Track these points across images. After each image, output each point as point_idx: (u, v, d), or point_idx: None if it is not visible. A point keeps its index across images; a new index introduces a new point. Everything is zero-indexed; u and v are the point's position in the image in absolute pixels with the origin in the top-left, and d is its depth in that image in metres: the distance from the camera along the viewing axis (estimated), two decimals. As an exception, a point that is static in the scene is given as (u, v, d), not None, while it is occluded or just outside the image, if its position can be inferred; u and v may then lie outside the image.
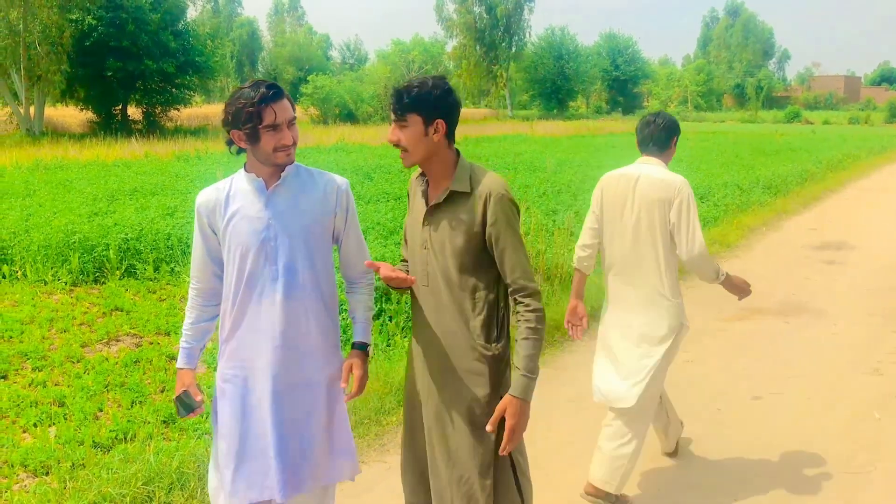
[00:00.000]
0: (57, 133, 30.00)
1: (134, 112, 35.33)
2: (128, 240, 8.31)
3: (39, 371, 5.37)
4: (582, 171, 16.57)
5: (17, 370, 5.39)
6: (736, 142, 28.19)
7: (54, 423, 4.52)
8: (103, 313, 6.80)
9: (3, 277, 7.79)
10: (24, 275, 7.80)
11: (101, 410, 4.74)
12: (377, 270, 2.60)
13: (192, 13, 38.33)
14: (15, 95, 30.31)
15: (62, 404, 4.80)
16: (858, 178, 19.63)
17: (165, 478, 3.67)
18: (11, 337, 6.04)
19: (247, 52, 79.96)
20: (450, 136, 2.60)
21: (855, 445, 4.47)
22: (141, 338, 6.19)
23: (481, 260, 2.60)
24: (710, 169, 17.52)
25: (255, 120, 2.50)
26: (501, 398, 2.60)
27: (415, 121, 2.52)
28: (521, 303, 2.62)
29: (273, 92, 2.52)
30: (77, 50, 30.34)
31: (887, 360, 5.92)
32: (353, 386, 2.78)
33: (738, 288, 3.82)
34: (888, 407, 5.03)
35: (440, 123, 2.53)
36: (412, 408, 2.81)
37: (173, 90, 34.85)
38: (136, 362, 5.55)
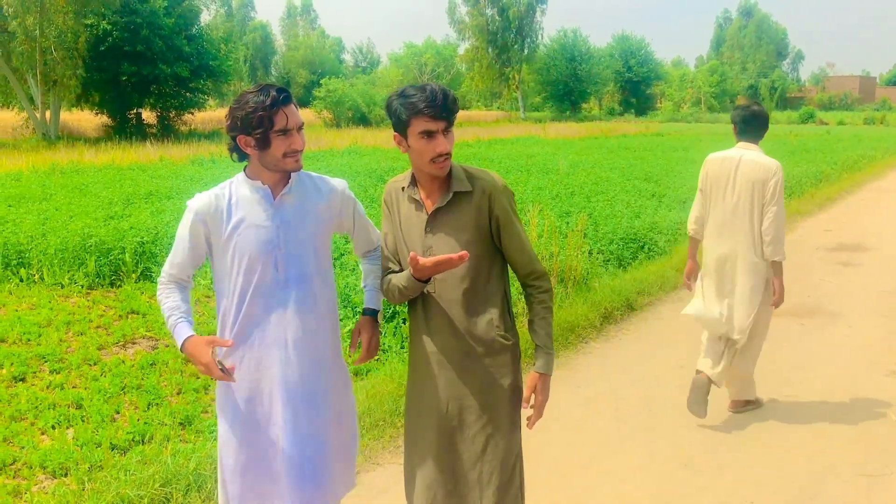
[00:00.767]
0: (72, 137, 30.25)
1: (148, 116, 35.57)
2: (143, 243, 8.37)
3: (57, 373, 5.42)
4: (595, 172, 16.53)
5: (35, 372, 5.45)
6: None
7: (72, 425, 4.57)
8: (119, 316, 6.86)
9: (21, 281, 7.86)
10: (42, 278, 7.88)
11: (118, 413, 4.78)
12: (420, 263, 2.44)
13: (205, 17, 38.73)
14: (31, 100, 30.59)
15: (80, 406, 4.84)
16: (874, 178, 19.50)
17: (182, 479, 3.69)
18: (29, 340, 6.10)
19: (260, 55, 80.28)
20: None
21: (870, 448, 4.45)
22: (157, 340, 6.24)
23: (489, 254, 2.65)
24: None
25: (266, 124, 2.46)
26: (517, 381, 2.74)
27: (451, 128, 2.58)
28: (532, 285, 2.70)
29: (284, 96, 2.50)
30: (92, 55, 30.58)
31: (903, 362, 5.89)
32: (363, 351, 2.80)
33: (780, 287, 4.62)
34: (904, 409, 5.00)
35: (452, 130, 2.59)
36: (418, 415, 2.78)
37: (187, 94, 35.05)
38: (151, 365, 5.60)
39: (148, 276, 8.08)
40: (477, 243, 2.61)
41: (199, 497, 3.64)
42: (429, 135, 2.48)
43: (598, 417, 4.89)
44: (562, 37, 67.44)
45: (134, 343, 6.19)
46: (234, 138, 2.54)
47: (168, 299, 2.62)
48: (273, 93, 2.48)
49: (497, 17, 61.82)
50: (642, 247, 9.28)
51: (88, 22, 30.14)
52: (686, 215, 10.99)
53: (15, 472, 4.02)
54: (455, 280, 2.63)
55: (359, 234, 2.90)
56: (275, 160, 2.53)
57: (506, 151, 23.35)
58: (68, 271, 7.92)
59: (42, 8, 28.38)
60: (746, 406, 4.97)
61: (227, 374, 2.49)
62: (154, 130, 33.45)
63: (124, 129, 32.17)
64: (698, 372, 4.76)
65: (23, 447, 4.25)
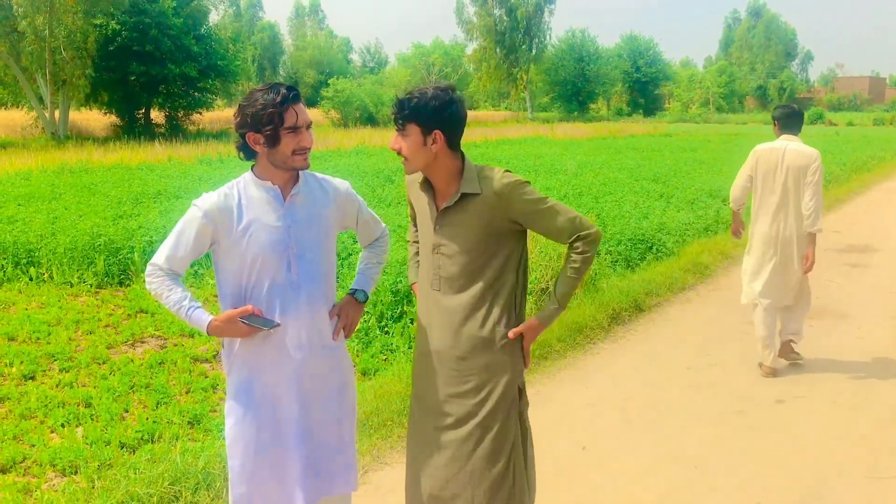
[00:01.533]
0: (81, 137, 30.35)
1: (157, 116, 35.65)
2: (152, 242, 8.39)
3: (66, 372, 5.44)
4: (603, 173, 16.52)
5: (44, 371, 5.47)
6: (759, 143, 27.96)
7: (81, 424, 4.59)
8: (128, 315, 6.88)
9: (31, 280, 7.90)
10: (51, 277, 7.91)
11: (126, 411, 4.80)
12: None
13: (214, 17, 38.63)
14: (40, 100, 30.70)
15: (89, 405, 4.87)
16: (883, 179, 19.41)
17: (191, 478, 3.70)
18: (39, 338, 6.13)
19: (268, 55, 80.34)
20: (452, 145, 2.64)
21: (879, 450, 4.43)
22: (165, 339, 6.26)
23: (498, 253, 2.68)
24: (733, 171, 17.24)
25: (276, 121, 2.48)
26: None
27: (413, 130, 2.60)
28: (572, 246, 2.72)
29: (293, 94, 2.52)
30: (101, 55, 30.66)
31: (913, 363, 5.87)
32: (340, 329, 2.78)
33: (812, 255, 5.52)
34: (914, 411, 4.98)
35: (437, 134, 2.58)
36: (418, 411, 2.86)
37: (196, 94, 35.08)
38: (160, 364, 5.62)
39: (156, 276, 8.08)
40: (484, 243, 2.65)
41: (209, 495, 3.65)
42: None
43: (606, 418, 4.89)
44: (570, 37, 67.36)
45: (143, 342, 6.21)
46: (243, 136, 2.55)
47: (171, 291, 2.60)
48: (283, 90, 2.51)
49: (505, 18, 61.76)
50: (650, 247, 9.26)
51: (97, 22, 30.21)
52: (694, 216, 11.07)
53: (25, 469, 4.05)
54: (458, 283, 2.67)
55: (363, 230, 2.94)
56: (284, 157, 2.54)
57: (514, 152, 23.35)
58: (77, 270, 7.95)
59: (51, 8, 28.47)
60: (787, 363, 5.81)
61: (269, 320, 2.57)
62: (162, 130, 33.51)
63: (133, 128, 32.25)
64: (786, 342, 5.83)
65: (33, 445, 4.27)
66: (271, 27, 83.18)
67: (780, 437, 4.61)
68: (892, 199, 15.77)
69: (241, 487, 2.67)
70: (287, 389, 2.63)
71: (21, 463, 4.10)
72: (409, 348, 5.83)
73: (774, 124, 5.75)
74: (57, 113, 30.68)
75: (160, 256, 2.61)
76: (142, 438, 4.36)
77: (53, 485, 3.88)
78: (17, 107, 35.08)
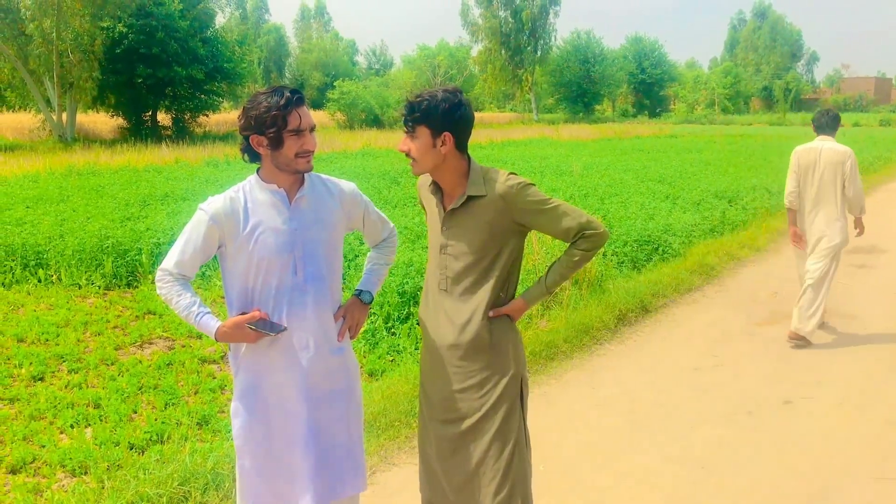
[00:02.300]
0: (88, 139, 30.43)
1: (163, 118, 35.71)
2: (159, 244, 8.43)
3: (75, 373, 5.47)
4: (609, 174, 16.51)
5: (53, 372, 5.50)
6: (764, 145, 27.96)
7: (90, 425, 4.61)
8: (136, 317, 6.91)
9: (39, 281, 7.93)
10: (59, 279, 7.94)
11: (135, 412, 4.83)
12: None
13: (220, 20, 38.63)
14: (48, 102, 30.82)
15: (98, 406, 4.89)
16: (889, 180, 19.36)
17: (201, 478, 3.73)
18: (48, 340, 6.16)
19: (274, 58, 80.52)
20: (460, 147, 2.68)
21: (886, 451, 4.43)
22: (173, 341, 6.28)
23: (503, 253, 2.72)
24: (739, 172, 17.38)
25: (279, 124, 2.49)
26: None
27: (423, 133, 2.63)
28: (576, 242, 2.74)
29: (297, 97, 2.54)
30: (108, 57, 30.74)
31: (920, 364, 5.86)
32: (346, 329, 2.80)
33: (861, 226, 6.62)
34: (921, 412, 4.98)
35: (447, 136, 2.62)
36: (426, 407, 2.91)
37: (202, 96, 35.15)
38: (168, 365, 5.64)
39: (164, 277, 8.11)
40: (491, 244, 2.70)
41: (217, 496, 3.67)
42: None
43: (613, 419, 4.90)
44: (575, 38, 67.32)
45: (151, 343, 6.23)
46: (246, 138, 2.56)
47: (180, 297, 2.62)
48: (287, 93, 2.52)
49: (510, 19, 61.75)
50: (656, 248, 9.26)
51: (105, 25, 30.30)
52: (700, 217, 11.06)
53: (35, 470, 4.07)
54: (467, 278, 2.71)
55: (370, 231, 2.96)
56: (287, 160, 2.56)
57: (519, 153, 23.36)
58: (86, 272, 7.98)
59: (59, 11, 28.57)
60: (800, 340, 6.29)
61: (276, 325, 2.60)
62: (169, 132, 33.56)
63: (139, 131, 32.34)
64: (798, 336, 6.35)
65: (42, 446, 4.30)
66: (277, 29, 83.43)
67: (787, 438, 4.61)
68: (898, 200, 15.72)
69: (251, 489, 2.69)
70: (294, 391, 2.65)
71: (31, 463, 4.12)
72: (416, 349, 5.85)
73: (813, 126, 6.64)
74: (64, 115, 30.78)
75: (169, 261, 2.63)
76: (150, 439, 4.38)
77: (63, 485, 3.90)
78: (25, 109, 35.19)
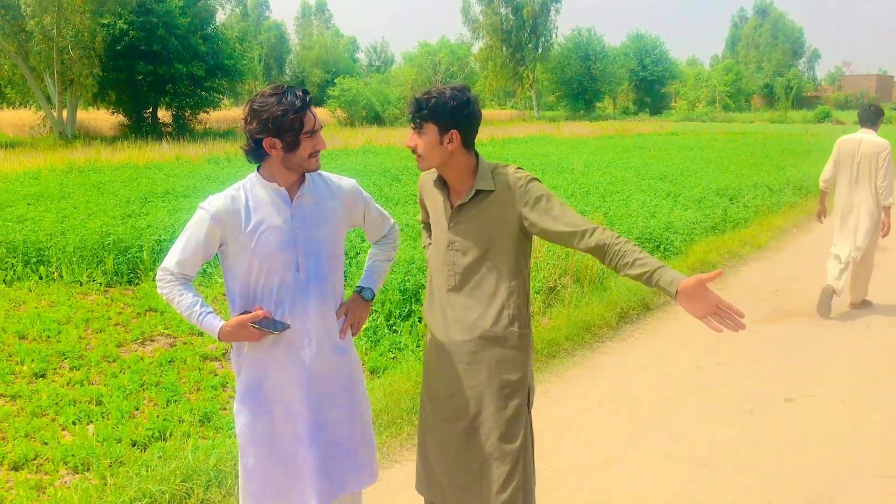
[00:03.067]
0: (89, 136, 30.42)
1: (164, 115, 35.74)
2: (161, 241, 8.43)
3: (77, 370, 5.47)
4: (610, 171, 16.50)
5: (55, 369, 5.50)
6: (765, 142, 27.93)
7: (93, 421, 4.61)
8: (138, 314, 6.91)
9: (41, 278, 7.93)
10: (61, 276, 7.94)
11: (137, 409, 4.82)
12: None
13: (220, 17, 38.64)
14: (48, 99, 30.83)
15: (100, 403, 4.89)
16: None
17: (203, 475, 3.72)
18: (49, 337, 6.16)
19: (274, 55, 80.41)
20: (467, 144, 2.68)
21: (889, 449, 4.43)
22: (175, 338, 6.28)
23: (512, 250, 2.70)
24: (740, 170, 17.37)
25: (297, 126, 2.48)
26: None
27: (430, 129, 2.62)
28: (604, 243, 2.61)
29: (309, 97, 2.53)
30: (109, 54, 30.76)
31: (922, 362, 5.85)
32: (348, 327, 2.79)
33: (888, 222, 7.06)
34: (924, 410, 4.97)
35: (454, 134, 2.62)
36: (429, 406, 2.89)
37: (202, 93, 35.16)
38: (170, 362, 5.64)
39: (165, 274, 8.11)
40: (499, 240, 2.68)
41: (220, 493, 3.67)
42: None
43: (615, 417, 4.89)
44: (576, 36, 67.22)
45: (152, 340, 6.23)
46: (258, 141, 2.52)
47: (182, 297, 2.62)
48: (300, 94, 2.51)
49: (511, 16, 61.70)
50: (658, 246, 9.26)
51: (105, 21, 30.32)
52: (701, 215, 11.07)
53: (37, 467, 4.07)
54: (473, 280, 2.70)
55: (371, 227, 2.94)
56: (300, 161, 2.55)
57: (520, 151, 23.34)
58: (87, 269, 7.98)
59: (59, 7, 28.57)
60: (863, 305, 7.33)
61: (279, 323, 2.58)
62: (170, 129, 33.60)
63: (140, 128, 32.34)
64: (827, 286, 7.05)
65: (45, 443, 4.30)
66: (278, 26, 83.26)
67: (789, 436, 4.61)
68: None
69: (255, 487, 2.69)
70: (297, 389, 2.64)
71: (33, 460, 4.12)
72: (418, 346, 5.85)
73: (858, 119, 7.31)
74: (65, 112, 30.80)
75: (170, 261, 2.62)
76: (153, 436, 4.38)
77: (66, 482, 3.90)
78: (26, 106, 35.22)
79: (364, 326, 3.01)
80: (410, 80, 54.84)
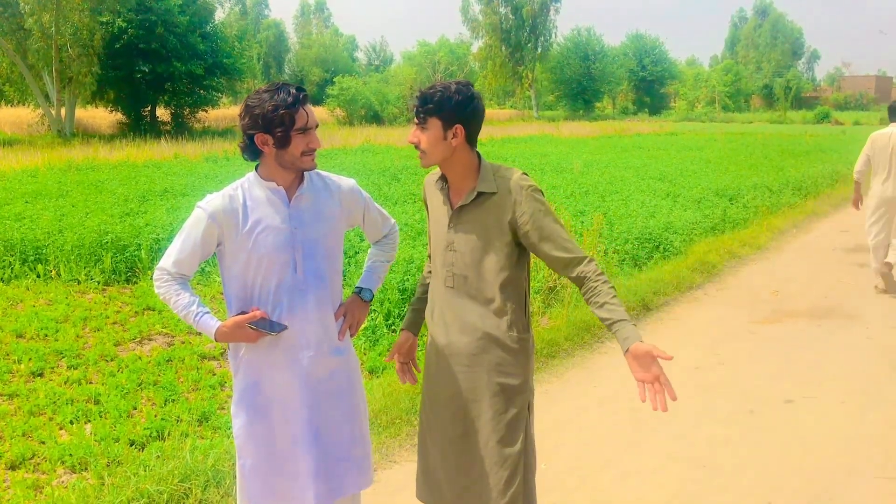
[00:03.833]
0: (87, 134, 30.41)
1: (162, 113, 35.69)
2: (159, 240, 8.41)
3: (74, 369, 5.45)
4: (609, 171, 16.50)
5: (52, 368, 5.48)
6: (765, 143, 27.92)
7: (90, 421, 4.59)
8: (136, 312, 6.89)
9: (38, 277, 7.91)
10: (59, 274, 7.93)
11: (135, 408, 4.81)
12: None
13: (219, 15, 38.73)
14: (47, 97, 30.79)
15: (97, 402, 4.87)
16: (890, 179, 19.32)
17: (201, 475, 3.71)
18: (47, 335, 6.14)
19: (273, 53, 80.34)
20: (470, 140, 2.65)
21: (889, 450, 4.41)
22: (173, 337, 6.27)
23: (511, 255, 2.67)
24: (739, 170, 17.37)
25: (287, 122, 2.46)
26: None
27: (434, 124, 2.59)
28: (585, 276, 2.61)
29: (303, 94, 2.51)
30: (107, 52, 30.71)
31: (922, 364, 5.84)
32: (346, 328, 2.77)
33: None
34: (924, 411, 4.96)
35: (458, 129, 2.59)
36: (429, 409, 2.86)
37: (201, 92, 35.10)
38: (168, 361, 5.62)
39: (164, 273, 8.11)
40: (498, 243, 2.65)
41: (218, 492, 3.65)
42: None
43: (615, 418, 4.88)
44: (575, 35, 67.26)
45: (150, 339, 6.22)
46: (250, 137, 2.51)
47: (179, 296, 2.60)
48: (293, 91, 2.49)
49: (511, 16, 61.68)
50: (657, 246, 9.25)
51: (104, 19, 30.28)
52: (700, 215, 11.07)
53: (35, 466, 4.06)
54: (472, 283, 2.67)
55: (370, 227, 2.92)
56: (293, 158, 2.53)
57: (519, 150, 23.35)
58: (85, 267, 7.97)
59: (58, 5, 28.53)
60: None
61: (276, 324, 2.57)
62: (168, 128, 33.56)
63: (139, 126, 32.28)
64: (888, 266, 7.69)
65: (42, 442, 4.28)
66: (277, 25, 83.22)
67: (789, 436, 4.59)
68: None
69: (252, 488, 2.67)
70: (295, 390, 2.63)
71: (31, 459, 4.10)
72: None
73: (889, 114, 7.91)
74: (63, 110, 30.76)
75: (167, 260, 2.60)
76: (150, 436, 4.36)
77: (63, 481, 3.88)
78: (24, 104, 35.15)
79: (363, 326, 2.99)
80: (410, 80, 54.73)
